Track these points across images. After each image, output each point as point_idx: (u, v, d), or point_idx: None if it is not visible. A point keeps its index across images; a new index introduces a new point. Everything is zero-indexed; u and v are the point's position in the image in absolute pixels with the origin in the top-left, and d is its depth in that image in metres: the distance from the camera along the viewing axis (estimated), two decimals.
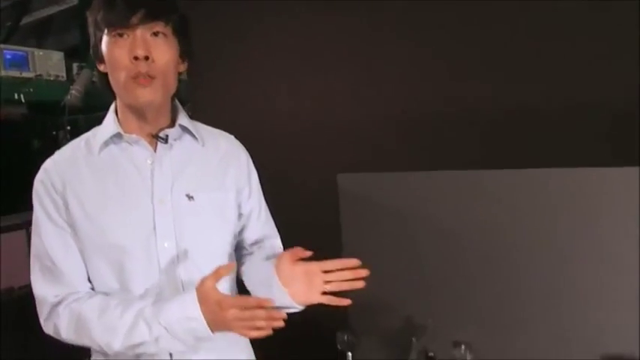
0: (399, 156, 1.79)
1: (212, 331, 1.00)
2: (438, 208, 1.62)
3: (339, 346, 1.62)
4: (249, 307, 1.00)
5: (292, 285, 1.10)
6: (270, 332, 1.01)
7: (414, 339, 1.47)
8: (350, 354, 1.63)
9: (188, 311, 1.00)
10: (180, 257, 1.09)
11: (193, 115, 1.23)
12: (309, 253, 1.11)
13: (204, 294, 1.00)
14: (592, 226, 1.43)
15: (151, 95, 1.04)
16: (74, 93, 2.54)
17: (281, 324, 1.00)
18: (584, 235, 1.44)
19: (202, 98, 2.18)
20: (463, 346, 1.48)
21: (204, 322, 0.99)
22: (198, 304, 0.99)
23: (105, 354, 1.09)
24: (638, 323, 1.39)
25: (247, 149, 1.28)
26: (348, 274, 1.11)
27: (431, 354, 1.60)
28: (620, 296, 1.40)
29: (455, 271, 1.61)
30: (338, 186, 1.77)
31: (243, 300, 1.03)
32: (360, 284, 1.11)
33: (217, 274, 1.00)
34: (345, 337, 1.62)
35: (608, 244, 1.41)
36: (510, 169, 1.53)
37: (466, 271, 1.59)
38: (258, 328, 1.00)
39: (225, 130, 1.28)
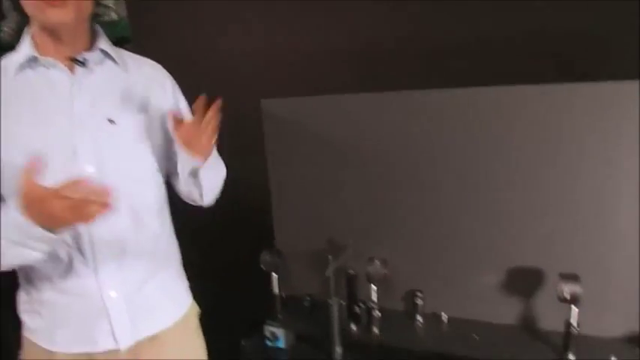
0: (322, 80, 1.79)
1: (49, 229, 0.95)
2: (360, 129, 1.63)
3: (262, 267, 1.67)
4: (72, 194, 0.92)
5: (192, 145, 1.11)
6: (103, 211, 0.93)
7: (330, 257, 1.51)
8: (274, 274, 1.69)
9: (10, 216, 0.95)
10: (103, 183, 1.04)
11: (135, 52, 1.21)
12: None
13: (26, 195, 0.92)
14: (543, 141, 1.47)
15: (62, 15, 0.99)
16: (6, 30, 2.44)
17: (108, 200, 0.93)
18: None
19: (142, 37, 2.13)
20: (377, 262, 1.53)
21: (28, 221, 0.93)
22: (19, 209, 0.93)
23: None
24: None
25: (178, 78, 1.26)
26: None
27: (351, 271, 1.66)
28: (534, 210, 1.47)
29: (378, 191, 1.64)
30: (262, 111, 1.76)
31: (62, 188, 0.92)
32: None
33: (29, 171, 0.91)
34: (269, 258, 1.67)
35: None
36: (431, 89, 1.55)
37: (389, 192, 1.63)
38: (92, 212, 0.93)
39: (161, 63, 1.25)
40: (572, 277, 1.33)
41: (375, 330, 1.55)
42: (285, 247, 1.77)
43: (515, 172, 1.47)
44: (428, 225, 1.59)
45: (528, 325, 1.53)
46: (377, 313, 1.55)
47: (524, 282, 1.51)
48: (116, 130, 1.09)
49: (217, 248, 1.94)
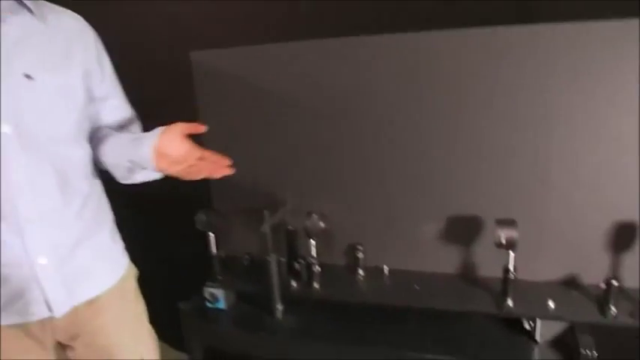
0: (251, 31, 1.70)
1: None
2: (294, 80, 1.55)
3: (198, 227, 1.60)
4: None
5: (168, 154, 1.08)
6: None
7: (265, 212, 1.46)
8: (211, 234, 1.62)
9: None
10: (22, 143, 1.01)
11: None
12: (203, 129, 1.13)
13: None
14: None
15: None
16: None
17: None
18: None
19: None
20: (315, 216, 1.48)
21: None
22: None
23: None
24: None
25: (102, 32, 1.18)
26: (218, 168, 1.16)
27: (290, 227, 1.61)
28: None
29: (314, 144, 1.58)
30: (192, 64, 1.66)
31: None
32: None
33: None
34: (205, 217, 1.60)
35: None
36: (363, 36, 1.47)
37: (325, 144, 1.57)
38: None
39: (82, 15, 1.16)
40: (508, 223, 1.32)
41: (316, 285, 1.52)
42: (223, 206, 1.70)
43: (451, 119, 1.43)
44: (366, 177, 1.54)
45: (468, 274, 1.52)
46: (317, 269, 1.51)
47: (463, 230, 1.49)
48: (34, 86, 1.01)
49: (153, 209, 1.86)
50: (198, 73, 1.65)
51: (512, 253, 1.34)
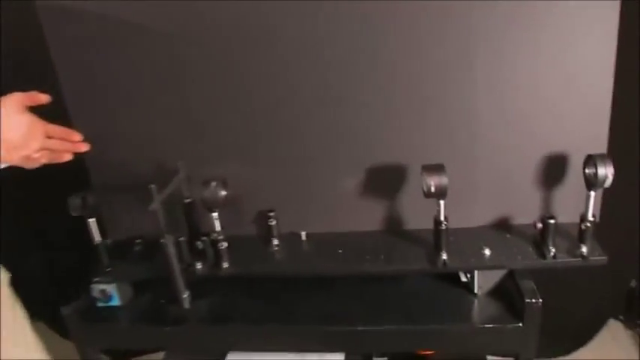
0: None
1: None
2: (169, 25, 1.27)
3: (74, 213, 1.32)
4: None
5: (11, 132, 0.93)
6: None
7: (152, 186, 1.20)
8: (91, 220, 1.34)
9: None
10: None
11: None
12: (46, 99, 1.01)
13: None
14: None
15: None
16: None
17: None
18: None
19: None
20: (214, 183, 1.25)
21: None
22: None
23: None
24: None
25: None
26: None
27: (188, 199, 1.37)
28: None
29: (204, 101, 1.32)
30: (39, 14, 1.32)
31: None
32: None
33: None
34: (81, 201, 1.31)
35: None
36: None
37: (217, 100, 1.32)
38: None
39: None
40: (436, 169, 1.16)
41: (225, 264, 1.30)
42: (105, 184, 1.42)
43: (367, 61, 1.23)
44: (271, 132, 1.32)
45: (396, 228, 1.37)
46: (223, 245, 1.29)
47: (386, 181, 1.33)
48: None
49: (24, 200, 1.54)
50: (50, 26, 1.32)
51: (442, 202, 1.20)
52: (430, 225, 1.27)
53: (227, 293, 1.40)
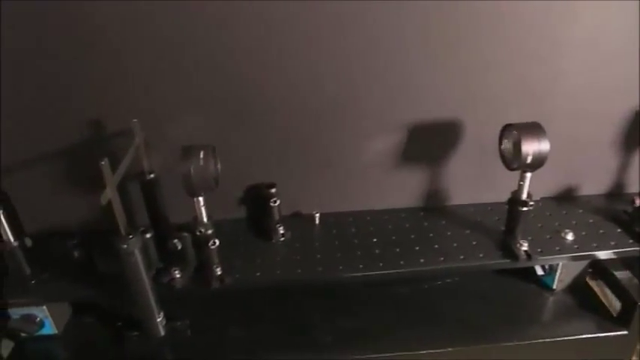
0: None
1: None
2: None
3: None
4: None
5: None
6: None
7: (103, 161, 0.76)
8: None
9: None
10: None
11: None
12: None
13: None
14: None
15: None
16: None
17: None
18: None
19: None
20: (201, 153, 0.82)
21: None
22: None
23: None
24: None
25: None
26: None
27: (150, 176, 0.93)
28: None
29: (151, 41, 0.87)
30: None
31: None
32: None
33: None
34: None
35: None
36: None
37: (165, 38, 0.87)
38: None
39: None
40: (534, 131, 0.81)
41: (218, 270, 0.89)
42: (13, 158, 0.94)
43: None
44: (268, 79, 0.90)
45: (437, 205, 1.03)
46: (214, 243, 0.88)
47: (424, 143, 0.97)
48: None
49: None
50: None
51: (529, 175, 0.87)
52: (476, 199, 0.97)
53: (214, 309, 1.00)
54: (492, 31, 0.86)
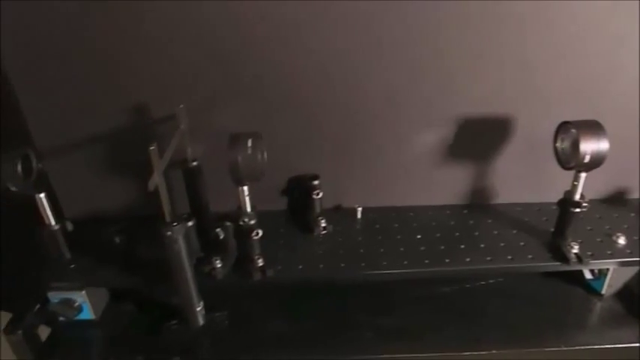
0: None
1: None
2: None
3: (9, 186, 0.83)
4: None
5: None
6: None
7: (152, 147, 0.74)
8: (40, 196, 0.86)
9: None
10: None
11: None
12: None
13: None
14: None
15: None
16: None
17: None
18: None
19: None
20: (249, 141, 0.80)
21: None
22: None
23: None
24: None
25: None
26: None
27: (193, 163, 0.91)
28: None
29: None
30: None
31: None
32: None
33: None
34: (20, 167, 0.82)
35: None
36: None
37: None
38: None
39: None
40: (594, 129, 0.78)
41: (259, 261, 0.87)
42: (53, 144, 0.93)
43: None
44: (314, 69, 0.88)
45: (481, 203, 1.01)
46: (257, 233, 0.86)
47: (471, 138, 0.95)
48: None
49: None
50: None
51: (583, 175, 0.84)
52: (523, 199, 0.95)
53: (252, 301, 0.98)
54: (547, 25, 0.84)
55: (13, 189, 0.81)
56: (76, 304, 0.89)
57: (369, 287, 0.97)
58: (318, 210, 0.97)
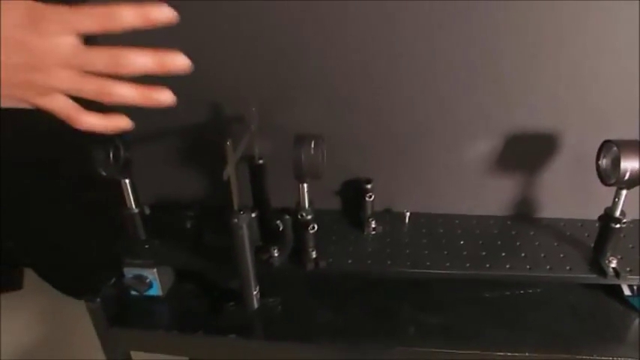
0: None
1: None
2: None
3: (101, 171, 0.95)
4: None
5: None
6: None
7: (228, 142, 0.84)
8: (127, 182, 0.98)
9: None
10: None
11: None
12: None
13: None
14: None
15: None
16: None
17: None
18: None
19: None
20: (313, 142, 0.89)
21: None
22: None
23: None
24: None
25: None
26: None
27: (259, 161, 1.01)
28: None
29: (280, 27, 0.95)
30: None
31: None
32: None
33: None
34: (112, 154, 0.94)
35: None
36: None
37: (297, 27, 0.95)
38: None
39: None
40: (634, 148, 0.84)
41: (313, 253, 0.96)
42: (139, 134, 1.04)
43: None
44: (375, 75, 0.97)
45: (527, 215, 1.06)
46: (313, 227, 0.95)
47: (523, 151, 1.00)
48: None
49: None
50: None
51: (624, 192, 0.89)
52: (567, 214, 0.99)
53: (304, 291, 1.06)
54: (610, 45, 0.89)
55: (104, 174, 0.93)
56: (147, 280, 1.00)
57: (413, 287, 1.04)
58: (369, 212, 1.04)
